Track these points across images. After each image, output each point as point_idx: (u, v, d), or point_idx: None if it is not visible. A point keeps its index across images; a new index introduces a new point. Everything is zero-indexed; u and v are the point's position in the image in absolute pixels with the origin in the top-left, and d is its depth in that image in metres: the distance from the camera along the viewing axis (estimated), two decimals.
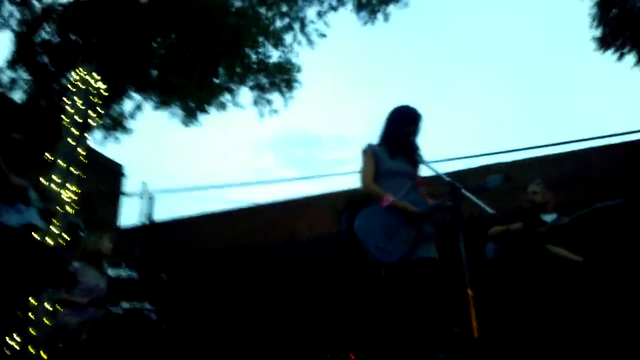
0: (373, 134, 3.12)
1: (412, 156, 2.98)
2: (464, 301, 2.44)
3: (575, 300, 3.48)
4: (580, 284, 3.54)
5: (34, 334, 5.18)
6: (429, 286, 2.66)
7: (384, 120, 3.07)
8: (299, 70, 9.02)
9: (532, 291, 3.60)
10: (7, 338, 4.42)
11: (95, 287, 3.86)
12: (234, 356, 6.07)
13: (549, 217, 3.91)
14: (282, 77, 8.94)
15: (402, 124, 2.97)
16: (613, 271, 4.69)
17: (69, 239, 5.72)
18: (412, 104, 3.03)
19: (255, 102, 9.09)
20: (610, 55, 7.53)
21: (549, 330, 3.43)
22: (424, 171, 3.10)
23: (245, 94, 9.07)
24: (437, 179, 2.82)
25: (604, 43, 7.54)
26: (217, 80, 8.62)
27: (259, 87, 9.01)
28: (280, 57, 8.93)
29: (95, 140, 8.68)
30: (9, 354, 4.63)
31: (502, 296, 3.87)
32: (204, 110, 8.69)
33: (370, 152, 2.97)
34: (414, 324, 2.58)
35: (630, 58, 7.41)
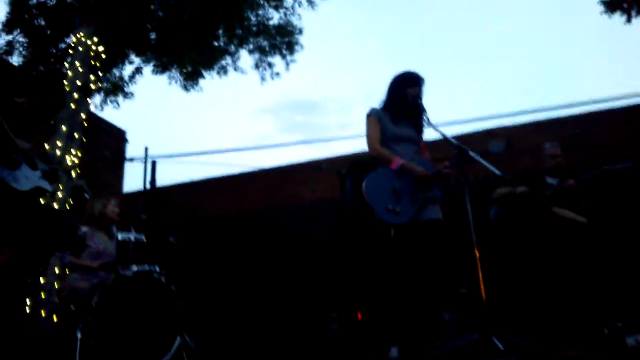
0: (375, 98, 3.12)
1: (417, 121, 3.00)
2: (471, 262, 2.48)
3: (580, 261, 3.52)
4: (586, 246, 3.58)
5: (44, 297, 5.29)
6: (435, 247, 2.71)
7: (387, 87, 3.08)
8: (300, 32, 8.86)
9: (538, 253, 3.65)
10: (22, 305, 4.49)
11: (104, 250, 3.93)
12: (241, 316, 6.21)
13: (553, 180, 3.92)
14: (283, 40, 8.78)
15: (405, 87, 2.98)
16: (619, 233, 4.73)
17: (72, 202, 5.76)
18: (414, 69, 3.06)
19: (257, 66, 8.94)
20: (617, 18, 7.38)
21: (555, 291, 3.49)
22: (429, 134, 3.11)
23: (245, 58, 8.90)
24: (442, 142, 2.82)
25: (611, 5, 7.37)
26: (216, 43, 8.47)
27: (259, 50, 8.85)
28: (280, 19, 8.76)
29: (95, 104, 8.61)
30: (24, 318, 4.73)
31: (508, 258, 3.92)
32: (202, 74, 8.57)
33: (374, 117, 2.97)
34: (421, 284, 2.64)
35: (639, 21, 7.26)
